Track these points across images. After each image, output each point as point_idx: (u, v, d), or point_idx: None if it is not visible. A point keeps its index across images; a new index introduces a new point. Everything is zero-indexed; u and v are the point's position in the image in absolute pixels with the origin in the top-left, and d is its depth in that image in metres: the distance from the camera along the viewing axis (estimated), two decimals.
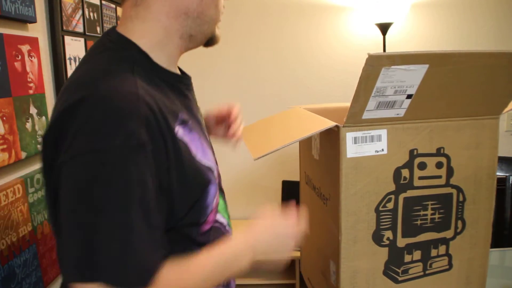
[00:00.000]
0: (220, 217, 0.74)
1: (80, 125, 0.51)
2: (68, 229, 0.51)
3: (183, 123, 0.62)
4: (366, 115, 0.77)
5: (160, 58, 0.64)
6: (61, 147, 0.52)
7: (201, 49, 0.85)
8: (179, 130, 0.60)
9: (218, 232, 0.72)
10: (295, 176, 1.28)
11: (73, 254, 0.50)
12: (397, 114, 0.79)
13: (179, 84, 0.69)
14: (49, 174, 0.56)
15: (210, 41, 0.72)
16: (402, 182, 0.84)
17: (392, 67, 0.69)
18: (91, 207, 0.50)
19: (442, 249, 0.90)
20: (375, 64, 0.68)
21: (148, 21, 0.63)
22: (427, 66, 0.70)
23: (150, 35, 0.63)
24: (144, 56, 0.62)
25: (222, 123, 0.95)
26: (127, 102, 0.53)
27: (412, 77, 0.72)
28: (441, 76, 0.74)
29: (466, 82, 0.77)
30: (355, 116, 0.77)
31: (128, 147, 0.51)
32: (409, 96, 0.75)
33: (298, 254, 1.23)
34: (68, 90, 0.58)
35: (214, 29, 0.70)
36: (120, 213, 0.50)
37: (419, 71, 0.71)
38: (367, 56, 0.67)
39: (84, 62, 0.64)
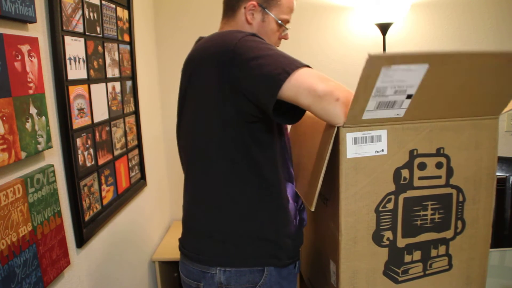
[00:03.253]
0: (290, 166, 1.05)
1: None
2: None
3: None
4: (366, 115, 0.77)
5: None
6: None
7: None
8: None
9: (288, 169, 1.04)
10: None
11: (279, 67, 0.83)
12: (397, 115, 0.79)
13: None
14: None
15: None
16: (402, 182, 0.84)
17: (392, 67, 0.69)
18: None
19: (442, 249, 0.90)
20: (375, 64, 0.68)
21: None
22: (427, 66, 0.70)
23: None
24: None
25: None
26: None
27: (412, 77, 0.72)
28: (441, 76, 0.74)
29: (466, 82, 0.77)
30: (355, 117, 0.77)
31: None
32: (409, 96, 0.75)
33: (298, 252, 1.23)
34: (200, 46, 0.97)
35: None
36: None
37: (419, 71, 0.71)
38: (367, 56, 0.67)
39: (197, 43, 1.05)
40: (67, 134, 1.16)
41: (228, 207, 0.97)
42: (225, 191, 0.96)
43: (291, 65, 0.82)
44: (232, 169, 0.95)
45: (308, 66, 0.84)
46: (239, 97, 0.89)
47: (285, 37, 1.12)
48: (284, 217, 0.99)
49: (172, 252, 1.93)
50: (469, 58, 0.73)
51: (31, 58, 0.99)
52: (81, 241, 1.23)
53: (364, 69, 0.68)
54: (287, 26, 1.10)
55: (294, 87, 0.81)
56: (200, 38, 1.06)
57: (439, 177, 0.86)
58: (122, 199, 1.54)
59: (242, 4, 1.04)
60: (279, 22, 1.06)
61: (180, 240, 1.09)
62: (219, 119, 0.93)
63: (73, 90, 1.20)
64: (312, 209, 0.85)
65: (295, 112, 0.89)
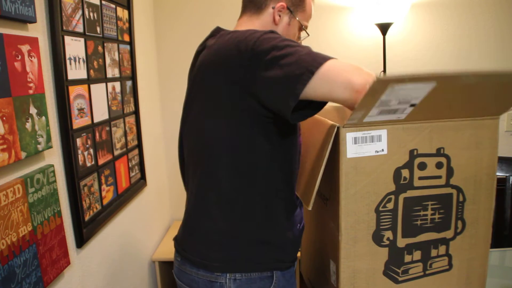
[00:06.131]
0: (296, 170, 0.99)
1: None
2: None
3: None
4: (367, 119, 0.77)
5: None
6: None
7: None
8: None
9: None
10: None
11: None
12: (398, 117, 0.78)
13: None
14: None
15: None
16: (402, 182, 0.84)
17: (400, 85, 0.68)
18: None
19: (442, 249, 0.90)
20: (382, 85, 0.67)
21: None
22: (434, 83, 0.69)
23: None
24: None
25: None
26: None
27: (417, 93, 0.71)
28: (447, 92, 0.74)
29: (471, 96, 0.77)
30: (356, 120, 0.76)
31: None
32: (412, 105, 0.75)
33: (298, 254, 1.23)
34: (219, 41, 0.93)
35: None
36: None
37: (426, 88, 0.70)
38: (374, 78, 0.65)
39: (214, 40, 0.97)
40: (67, 134, 1.16)
41: (237, 212, 0.92)
42: (235, 195, 0.92)
43: (313, 63, 0.77)
44: (243, 173, 0.91)
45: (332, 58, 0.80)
46: (253, 99, 0.85)
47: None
48: (290, 222, 0.99)
49: (172, 252, 1.93)
50: (477, 78, 0.73)
51: (31, 58, 0.99)
52: (81, 241, 1.23)
53: (371, 88, 0.66)
54: (303, 34, 1.10)
55: (324, 84, 0.77)
56: (218, 29, 1.01)
57: (439, 177, 0.86)
58: (122, 199, 1.54)
59: (270, 3, 1.02)
60: (302, 27, 1.06)
61: (178, 241, 1.04)
62: (230, 120, 0.89)
63: (73, 90, 1.20)
64: (309, 208, 0.85)
65: (312, 105, 0.84)
